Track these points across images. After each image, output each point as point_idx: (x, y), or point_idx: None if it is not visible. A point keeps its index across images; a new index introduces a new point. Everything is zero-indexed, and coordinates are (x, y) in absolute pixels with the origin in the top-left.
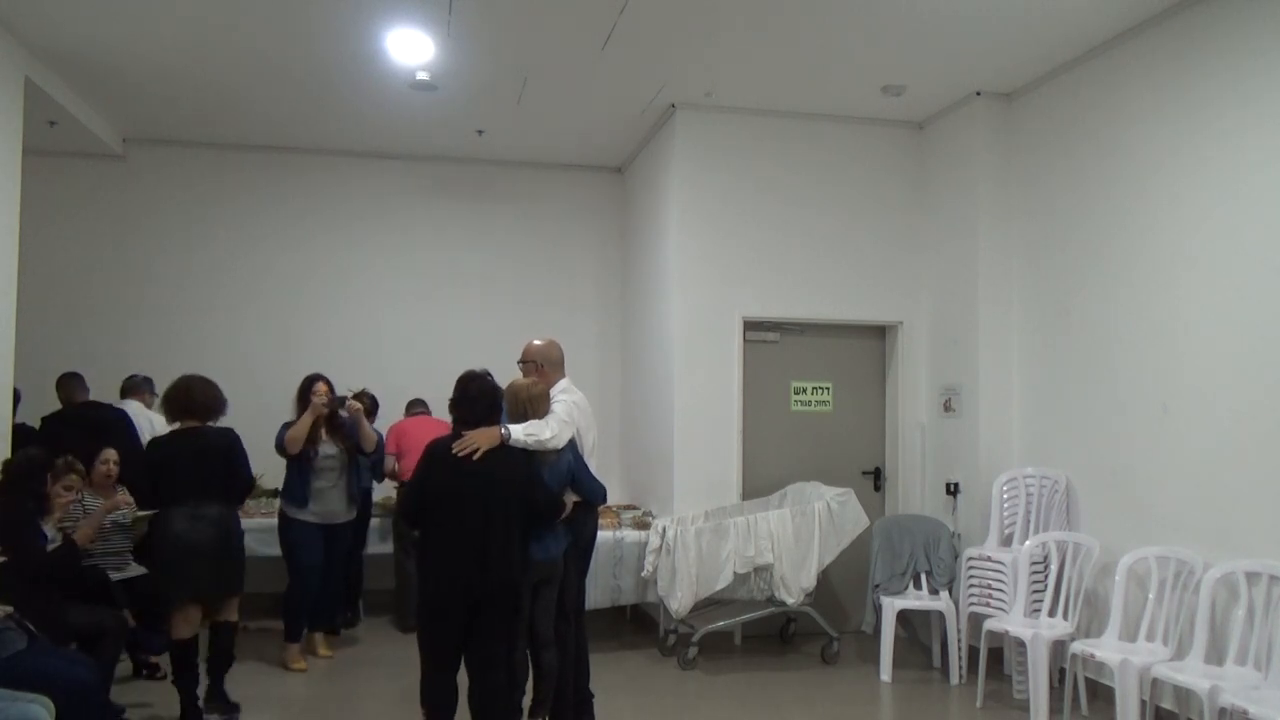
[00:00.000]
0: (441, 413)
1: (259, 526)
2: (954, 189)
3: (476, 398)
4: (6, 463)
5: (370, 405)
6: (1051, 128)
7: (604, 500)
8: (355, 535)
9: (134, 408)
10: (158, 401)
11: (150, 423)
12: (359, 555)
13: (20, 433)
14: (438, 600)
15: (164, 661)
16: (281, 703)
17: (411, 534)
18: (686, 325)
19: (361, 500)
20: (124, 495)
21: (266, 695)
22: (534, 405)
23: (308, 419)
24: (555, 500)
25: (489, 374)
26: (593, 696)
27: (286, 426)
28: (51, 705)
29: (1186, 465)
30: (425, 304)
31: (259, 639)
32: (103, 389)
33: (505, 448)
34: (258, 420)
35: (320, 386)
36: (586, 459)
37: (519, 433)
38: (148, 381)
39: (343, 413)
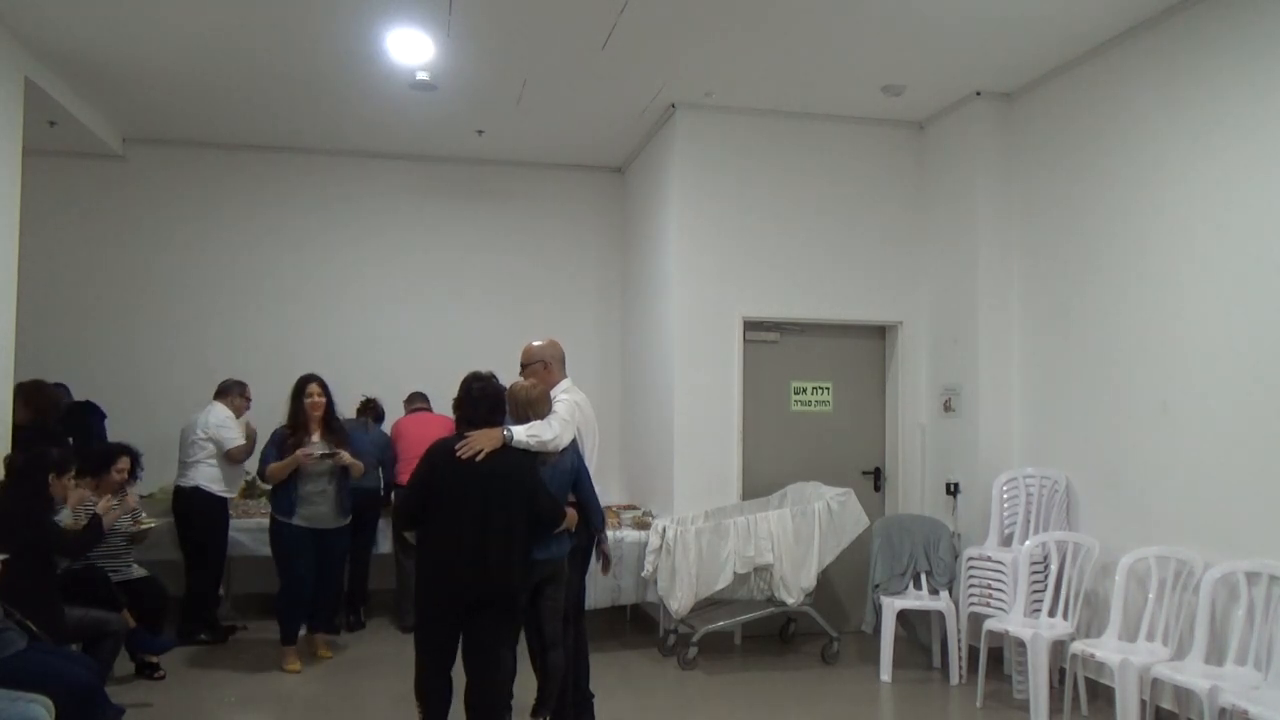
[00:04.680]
0: (442, 408)
1: (256, 526)
2: (954, 189)
3: (479, 399)
4: (8, 459)
5: (378, 413)
6: (1051, 128)
7: (601, 526)
8: (363, 536)
9: (216, 409)
10: (247, 405)
11: (214, 418)
12: (365, 557)
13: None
14: (435, 601)
15: (164, 661)
16: (280, 702)
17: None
18: (686, 325)
19: (368, 501)
20: (134, 500)
21: (265, 695)
22: (534, 407)
23: (290, 465)
24: (557, 507)
25: (493, 376)
26: (593, 696)
27: (275, 437)
28: (51, 705)
29: (1186, 465)
30: (425, 304)
31: (255, 639)
32: (103, 388)
33: (509, 450)
34: (257, 419)
35: (313, 388)
36: (587, 460)
37: (521, 434)
38: (239, 385)
39: (331, 460)
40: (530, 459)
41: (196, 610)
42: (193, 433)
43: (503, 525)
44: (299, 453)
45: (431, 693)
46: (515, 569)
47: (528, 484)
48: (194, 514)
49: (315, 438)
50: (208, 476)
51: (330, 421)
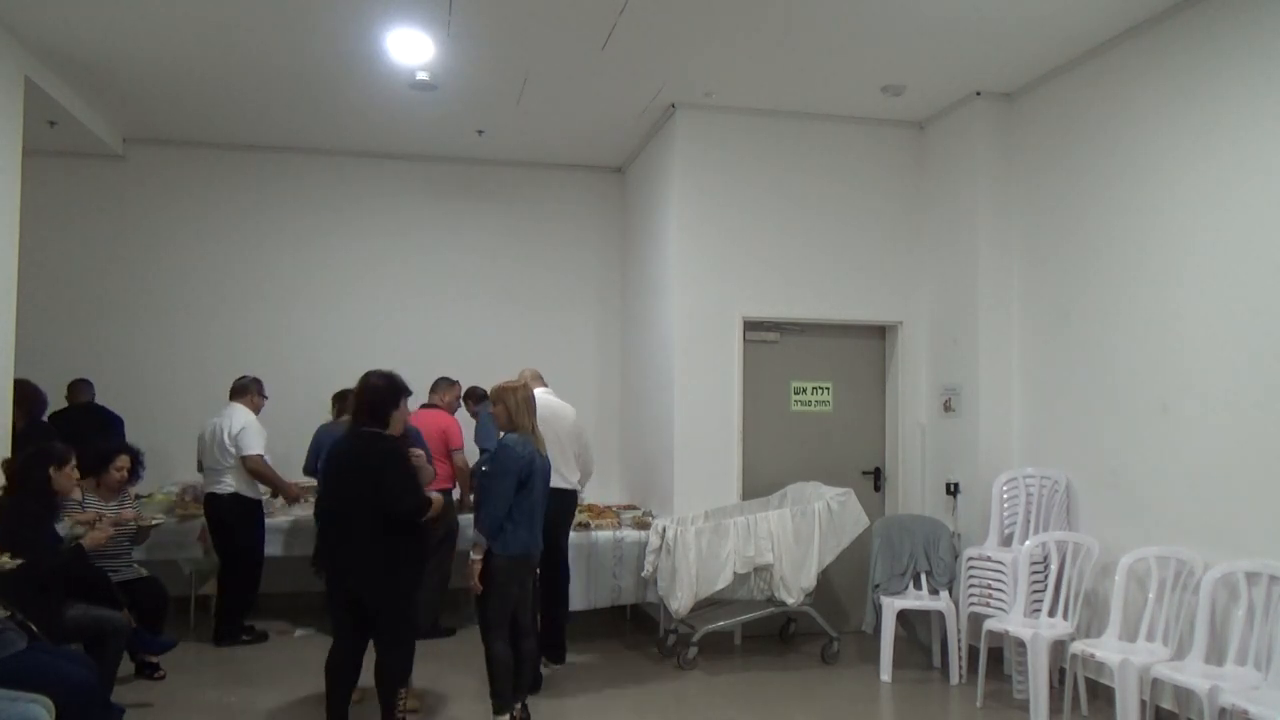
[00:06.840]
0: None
1: (277, 526)
2: (954, 189)
3: (356, 393)
4: (5, 463)
5: None
6: (1051, 128)
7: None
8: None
9: (237, 414)
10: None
11: (236, 423)
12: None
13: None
14: (328, 585)
15: (164, 661)
16: (280, 702)
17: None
18: (686, 325)
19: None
20: (132, 511)
21: (267, 695)
22: (515, 408)
23: None
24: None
25: (394, 374)
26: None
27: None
28: (51, 705)
29: (1186, 465)
30: (425, 303)
31: (282, 638)
32: (104, 388)
33: (359, 442)
34: (260, 419)
35: None
36: (572, 447)
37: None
38: (256, 383)
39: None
40: (383, 462)
41: (236, 613)
42: (219, 438)
43: (361, 527)
44: None
45: (334, 668)
46: (376, 569)
47: (374, 487)
48: (232, 519)
49: None
50: (243, 481)
51: None
